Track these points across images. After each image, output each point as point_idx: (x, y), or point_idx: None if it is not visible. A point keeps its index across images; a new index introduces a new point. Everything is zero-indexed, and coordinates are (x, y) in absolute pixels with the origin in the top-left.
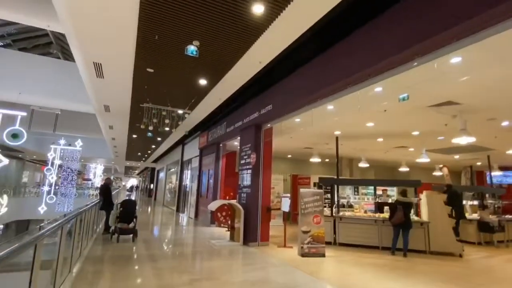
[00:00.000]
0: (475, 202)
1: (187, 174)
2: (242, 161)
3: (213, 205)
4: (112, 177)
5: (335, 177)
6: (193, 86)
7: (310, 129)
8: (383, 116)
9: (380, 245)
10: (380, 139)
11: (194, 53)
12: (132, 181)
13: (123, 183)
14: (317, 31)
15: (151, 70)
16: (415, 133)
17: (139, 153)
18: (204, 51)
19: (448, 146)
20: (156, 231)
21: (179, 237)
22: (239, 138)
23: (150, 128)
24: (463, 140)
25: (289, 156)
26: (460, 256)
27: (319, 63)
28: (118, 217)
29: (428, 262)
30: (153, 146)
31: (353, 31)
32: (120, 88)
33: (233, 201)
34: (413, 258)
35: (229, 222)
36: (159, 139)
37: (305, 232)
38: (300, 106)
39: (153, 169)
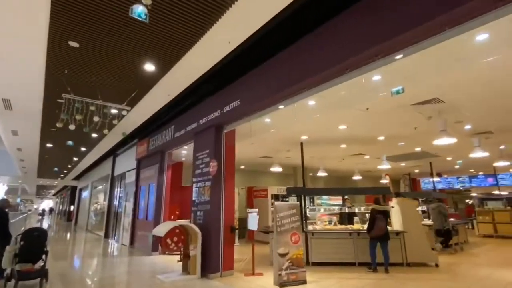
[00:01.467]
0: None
1: (120, 191)
2: (198, 171)
3: (161, 229)
4: (18, 200)
5: (296, 186)
6: (136, 74)
7: (275, 133)
8: (360, 116)
9: (357, 261)
10: (343, 145)
11: (143, 16)
12: (47, 203)
13: (35, 207)
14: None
15: (75, 45)
16: (381, 138)
17: (56, 169)
18: (155, 18)
19: (406, 152)
20: (77, 267)
21: (111, 273)
22: (191, 144)
23: (72, 127)
24: (444, 141)
25: (242, 167)
26: (436, 265)
27: (305, 45)
28: (17, 255)
29: (413, 277)
30: (75, 159)
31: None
32: (26, 70)
33: (185, 222)
34: (396, 274)
35: (182, 249)
36: (83, 149)
37: (282, 255)
38: (278, 99)
39: (74, 187)
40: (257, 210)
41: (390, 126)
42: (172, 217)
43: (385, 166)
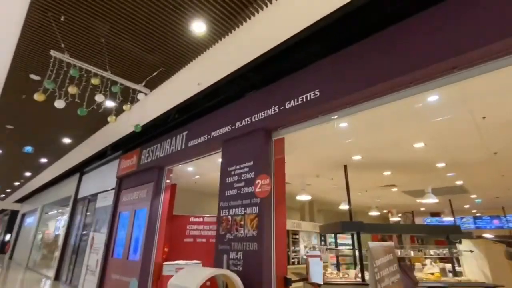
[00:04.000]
0: None
1: (84, 218)
2: (230, 192)
3: (189, 279)
4: None
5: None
6: (167, 41)
7: (319, 149)
8: (459, 129)
9: None
10: (387, 172)
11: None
12: None
13: None
14: None
15: None
16: (441, 164)
17: None
18: None
19: (445, 186)
20: None
21: None
22: (205, 158)
23: (59, 104)
24: None
25: None
26: None
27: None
28: None
29: None
30: (27, 174)
31: None
32: None
33: (222, 271)
34: None
35: None
36: (43, 160)
37: None
38: (372, 94)
39: (14, 212)
40: (319, 253)
41: (468, 148)
42: (163, 256)
43: (432, 199)
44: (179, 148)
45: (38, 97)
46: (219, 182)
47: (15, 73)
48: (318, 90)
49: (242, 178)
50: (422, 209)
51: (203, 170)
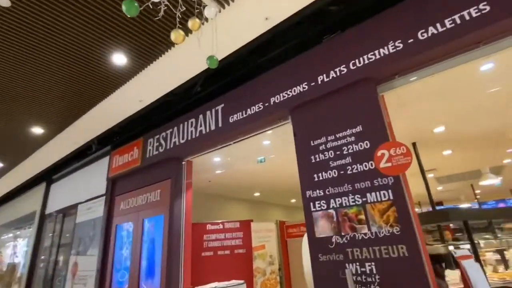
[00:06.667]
0: None
1: (59, 238)
2: (323, 175)
3: None
4: None
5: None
6: None
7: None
8: None
9: None
10: (448, 151)
11: None
12: None
13: None
14: None
15: None
16: None
17: None
18: None
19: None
20: None
21: None
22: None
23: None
24: None
25: (256, 194)
26: None
27: None
28: None
29: None
30: None
31: None
32: None
33: None
34: None
35: None
36: None
37: None
38: None
39: None
40: (469, 252)
41: None
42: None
43: (493, 180)
44: (211, 128)
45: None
46: (297, 163)
47: None
48: (485, 3)
49: (345, 152)
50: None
51: (233, 159)
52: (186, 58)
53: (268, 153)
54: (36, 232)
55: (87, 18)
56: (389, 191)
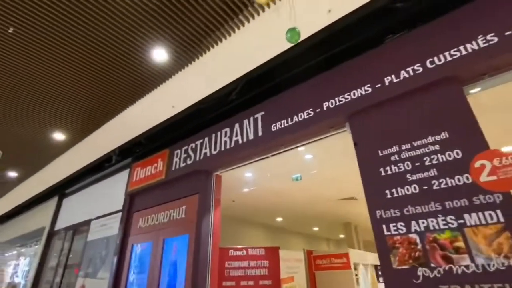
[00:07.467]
0: None
1: (67, 258)
2: (398, 192)
3: None
4: None
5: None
6: None
7: None
8: None
9: None
10: None
11: None
12: None
13: None
14: None
15: None
16: None
17: None
18: None
19: None
20: None
21: None
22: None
23: None
24: None
25: (279, 219)
26: None
27: None
28: None
29: None
30: None
31: None
32: None
33: None
34: None
35: None
36: (11, 174)
37: None
38: None
39: None
40: None
41: None
42: None
43: None
44: (249, 138)
45: None
46: (361, 177)
47: None
48: None
49: (428, 163)
50: None
51: (266, 176)
52: (231, 58)
53: (309, 169)
54: (42, 250)
55: (124, 7)
56: (497, 211)
